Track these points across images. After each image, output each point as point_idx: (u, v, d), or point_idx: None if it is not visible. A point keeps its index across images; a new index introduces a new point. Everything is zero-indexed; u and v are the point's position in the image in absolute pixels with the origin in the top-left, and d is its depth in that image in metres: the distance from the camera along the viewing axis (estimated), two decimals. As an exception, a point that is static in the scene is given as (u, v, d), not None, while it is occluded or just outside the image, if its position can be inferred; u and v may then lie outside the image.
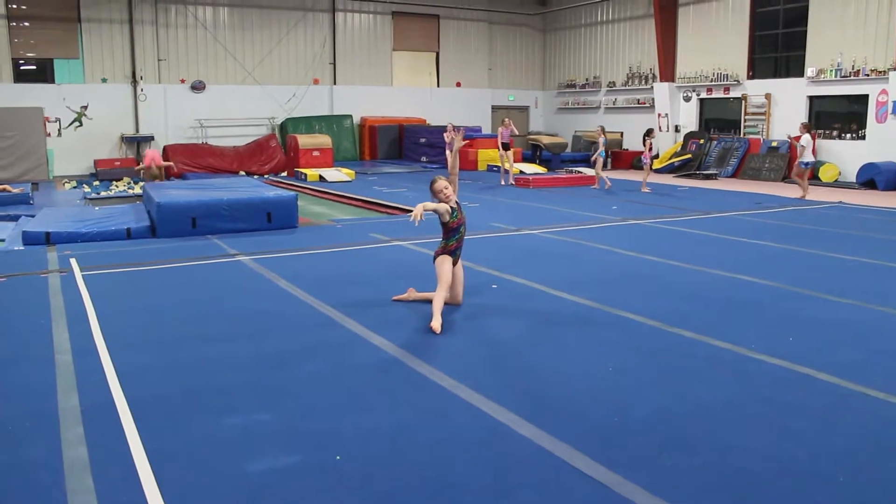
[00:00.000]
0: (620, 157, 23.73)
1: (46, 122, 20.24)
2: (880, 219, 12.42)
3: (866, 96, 18.21)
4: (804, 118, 19.60)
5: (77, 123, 21.39)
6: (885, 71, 17.64)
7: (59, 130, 21.06)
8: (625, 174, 21.28)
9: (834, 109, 19.55)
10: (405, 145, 25.18)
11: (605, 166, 17.95)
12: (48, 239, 9.94)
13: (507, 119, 19.09)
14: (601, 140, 17.18)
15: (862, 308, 6.62)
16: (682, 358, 5.28)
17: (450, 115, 25.76)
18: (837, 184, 18.18)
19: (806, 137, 15.05)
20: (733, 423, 4.17)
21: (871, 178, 17.36)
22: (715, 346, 5.53)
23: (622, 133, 24.73)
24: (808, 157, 15.16)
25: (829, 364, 5.08)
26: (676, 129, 23.22)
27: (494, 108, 27.44)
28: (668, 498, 3.32)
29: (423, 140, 24.17)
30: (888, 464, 3.67)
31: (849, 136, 18.86)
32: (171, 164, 18.42)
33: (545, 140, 24.38)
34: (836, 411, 4.33)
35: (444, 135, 18.37)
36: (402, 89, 26.15)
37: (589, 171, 20.20)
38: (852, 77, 18.38)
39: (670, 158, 22.08)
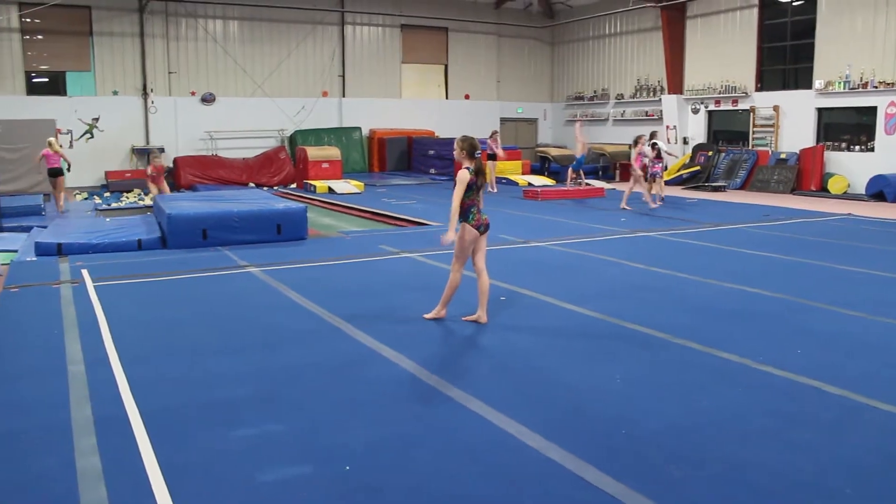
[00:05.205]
0: (629, 170, 23.68)
1: (58, 134, 20.38)
2: (889, 231, 12.38)
3: (875, 108, 18.19)
4: (813, 130, 19.63)
5: (88, 135, 21.55)
6: (893, 83, 17.61)
7: (70, 142, 21.20)
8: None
9: (843, 121, 19.52)
10: (414, 157, 25.24)
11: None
12: (60, 250, 10.02)
13: (496, 132, 19.48)
14: (641, 149, 15.70)
15: (870, 321, 6.62)
16: (690, 370, 5.30)
17: (458, 127, 25.85)
18: (846, 196, 18.13)
19: (647, 149, 15.56)
20: (741, 435, 4.19)
21: (881, 189, 17.32)
22: (723, 358, 5.55)
23: (630, 146, 24.66)
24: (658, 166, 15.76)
25: (837, 377, 5.09)
26: (685, 142, 23.24)
27: (503, 121, 27.49)
28: (676, 510, 3.34)
29: (431, 152, 24.23)
30: (896, 477, 3.68)
31: (858, 147, 18.83)
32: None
33: (553, 152, 24.44)
34: (843, 424, 4.34)
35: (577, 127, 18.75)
36: (411, 101, 26.25)
37: (598, 183, 20.24)
38: (861, 89, 18.36)
39: (679, 170, 22.08)
